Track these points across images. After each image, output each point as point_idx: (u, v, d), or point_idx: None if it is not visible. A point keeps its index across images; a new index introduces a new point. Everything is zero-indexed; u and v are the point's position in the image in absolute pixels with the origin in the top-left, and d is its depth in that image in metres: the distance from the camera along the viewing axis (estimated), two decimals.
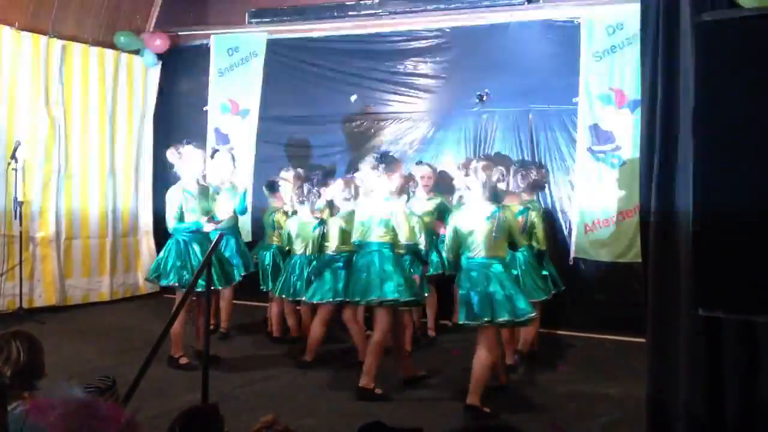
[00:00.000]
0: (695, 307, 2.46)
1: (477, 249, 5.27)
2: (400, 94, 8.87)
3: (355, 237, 5.87)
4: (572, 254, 7.93)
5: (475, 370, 5.20)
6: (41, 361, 3.11)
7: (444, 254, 6.18)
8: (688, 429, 2.93)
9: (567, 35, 8.00)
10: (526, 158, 8.20)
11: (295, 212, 6.88)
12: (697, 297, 2.45)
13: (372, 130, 9.00)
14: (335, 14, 9.15)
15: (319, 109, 9.22)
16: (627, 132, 7.64)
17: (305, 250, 6.69)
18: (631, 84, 7.48)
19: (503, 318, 5.14)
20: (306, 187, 6.73)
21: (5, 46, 8.01)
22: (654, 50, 3.20)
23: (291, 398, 5.62)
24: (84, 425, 2.11)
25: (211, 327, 6.78)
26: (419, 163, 7.63)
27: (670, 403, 3.07)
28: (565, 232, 8.05)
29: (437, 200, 7.28)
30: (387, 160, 5.80)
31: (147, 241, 9.64)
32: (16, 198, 7.94)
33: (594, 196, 7.83)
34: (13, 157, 7.89)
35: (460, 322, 5.33)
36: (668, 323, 3.04)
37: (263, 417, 2.92)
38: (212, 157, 7.08)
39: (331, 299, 6.28)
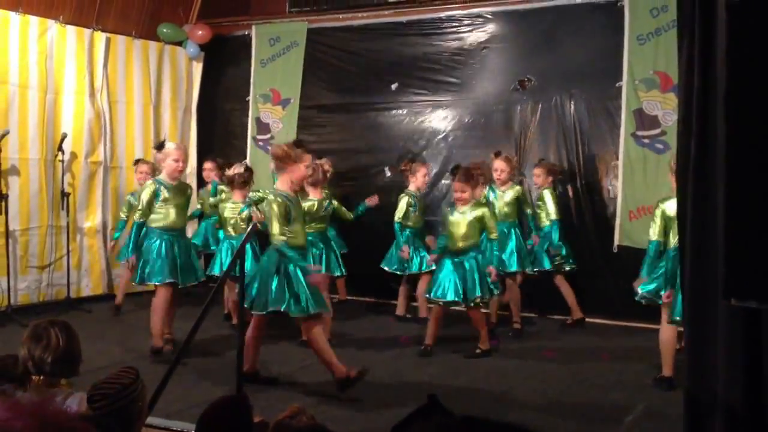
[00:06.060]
0: (727, 296, 2.38)
1: None
2: (440, 81, 8.80)
3: None
4: (616, 241, 7.80)
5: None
6: (78, 348, 3.17)
7: None
8: (725, 423, 2.85)
9: (610, 18, 7.85)
10: (569, 144, 8.10)
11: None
12: (729, 286, 2.37)
13: (412, 118, 8.96)
14: (374, 2, 9.14)
15: (360, 97, 9.21)
16: (672, 117, 7.46)
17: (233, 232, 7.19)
18: (676, 68, 7.26)
19: None
20: (244, 168, 7.23)
21: (51, 40, 8.16)
22: (690, 32, 3.10)
23: (330, 387, 5.62)
24: None
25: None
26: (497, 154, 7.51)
27: (707, 396, 2.99)
28: (609, 219, 7.91)
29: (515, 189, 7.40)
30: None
31: (193, 232, 9.73)
32: (62, 189, 8.12)
33: (638, 183, 7.68)
34: (60, 148, 8.06)
35: None
36: (706, 313, 2.96)
37: (290, 406, 2.94)
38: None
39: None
